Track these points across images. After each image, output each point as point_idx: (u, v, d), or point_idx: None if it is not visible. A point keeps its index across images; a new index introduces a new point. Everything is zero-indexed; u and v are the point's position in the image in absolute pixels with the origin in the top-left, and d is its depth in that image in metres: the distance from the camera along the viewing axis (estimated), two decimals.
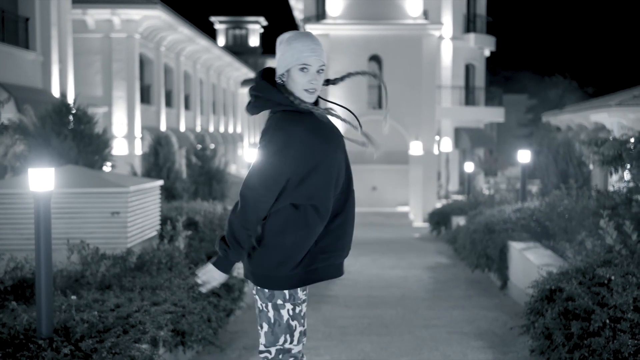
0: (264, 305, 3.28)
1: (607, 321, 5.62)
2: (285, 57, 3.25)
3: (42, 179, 5.19)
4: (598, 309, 5.79)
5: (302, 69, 3.23)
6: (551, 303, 6.42)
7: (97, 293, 6.48)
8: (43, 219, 5.21)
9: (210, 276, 3.30)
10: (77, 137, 10.53)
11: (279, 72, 3.31)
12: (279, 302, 3.25)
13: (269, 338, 3.28)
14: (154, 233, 9.20)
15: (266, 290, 3.26)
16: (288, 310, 3.26)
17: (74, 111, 10.58)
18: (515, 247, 9.89)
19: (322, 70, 3.27)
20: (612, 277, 6.27)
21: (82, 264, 7.23)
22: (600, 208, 9.28)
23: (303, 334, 3.35)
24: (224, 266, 3.26)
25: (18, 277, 6.78)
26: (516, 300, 9.59)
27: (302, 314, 3.33)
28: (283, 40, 3.28)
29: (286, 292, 3.24)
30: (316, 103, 3.41)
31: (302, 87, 3.25)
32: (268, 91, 3.28)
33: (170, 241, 8.25)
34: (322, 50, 3.27)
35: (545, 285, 6.76)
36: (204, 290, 3.37)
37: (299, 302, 3.32)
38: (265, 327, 3.28)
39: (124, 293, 6.51)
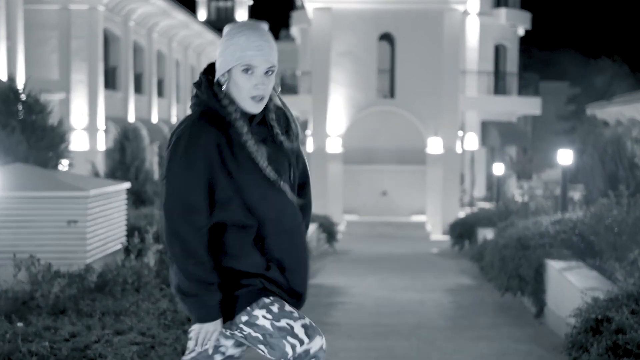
0: (237, 330, 3.24)
1: None
2: (225, 55, 3.20)
3: None
4: None
5: (245, 71, 3.18)
6: (597, 336, 6.37)
7: (49, 319, 6.44)
8: None
9: (204, 333, 3.22)
10: (27, 130, 10.49)
11: (218, 71, 3.24)
12: (244, 318, 3.22)
13: (275, 354, 3.21)
14: (119, 246, 9.16)
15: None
16: (263, 316, 3.20)
17: (23, 98, 10.53)
18: (554, 267, 9.85)
19: (272, 71, 3.20)
20: None
21: (32, 283, 7.20)
22: None
23: (309, 327, 3.24)
24: (210, 314, 3.19)
25: None
26: (554, 331, 9.55)
27: (286, 308, 3.25)
28: (225, 33, 3.23)
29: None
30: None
31: (247, 94, 3.19)
32: (205, 92, 3.26)
33: (138, 256, 8.22)
34: (272, 48, 3.20)
35: (591, 313, 6.72)
36: (210, 351, 3.28)
37: (269, 302, 3.23)
38: (262, 347, 3.22)
39: (81, 319, 6.47)
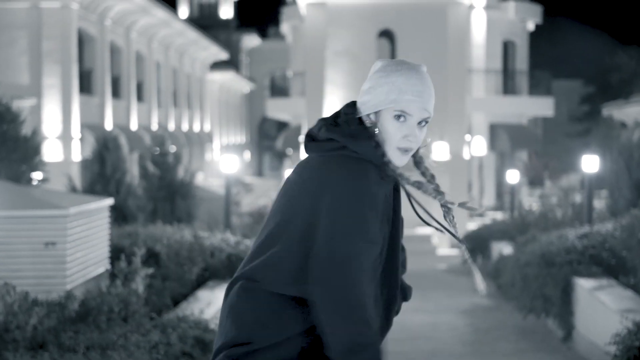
0: None
1: None
2: (377, 93, 2.91)
3: None
4: None
5: (397, 117, 2.89)
6: None
7: (27, 354, 6.24)
8: None
9: None
10: None
11: (364, 110, 2.95)
12: None
13: None
14: (102, 270, 8.93)
15: None
16: None
17: None
18: (584, 286, 9.70)
19: (426, 123, 2.94)
20: None
21: (7, 313, 6.96)
22: None
23: None
24: None
25: None
26: (585, 357, 9.39)
27: None
28: (379, 68, 2.97)
29: None
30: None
31: (394, 144, 2.90)
32: (358, 139, 2.91)
33: (125, 281, 8.00)
34: (431, 96, 2.94)
35: (633, 340, 6.56)
36: None
37: None
38: None
39: (63, 354, 6.26)
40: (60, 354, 6.29)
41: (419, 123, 2.91)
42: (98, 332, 6.82)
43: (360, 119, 2.95)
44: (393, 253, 2.98)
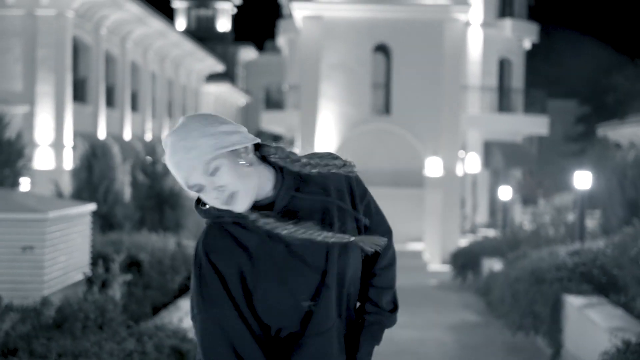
0: None
1: None
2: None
3: None
4: None
5: (198, 192, 2.71)
6: None
7: None
8: None
9: None
10: None
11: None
12: None
13: None
14: (81, 276, 8.72)
15: None
16: None
17: None
18: (573, 304, 9.54)
19: (215, 169, 2.65)
20: None
21: None
22: None
23: None
24: None
25: None
26: None
27: None
28: None
29: None
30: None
31: (221, 206, 2.72)
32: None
33: (102, 288, 7.79)
34: (187, 159, 2.63)
35: (622, 358, 6.38)
36: None
37: None
38: None
39: None
40: (31, 359, 6.09)
41: (210, 175, 2.64)
42: (72, 340, 6.61)
43: None
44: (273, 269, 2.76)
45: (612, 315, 8.68)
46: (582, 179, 12.54)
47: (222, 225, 2.76)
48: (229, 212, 2.72)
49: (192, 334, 7.42)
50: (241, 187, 2.67)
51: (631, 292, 9.31)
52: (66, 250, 8.52)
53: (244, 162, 2.69)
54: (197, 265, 2.72)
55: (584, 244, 11.52)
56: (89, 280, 8.19)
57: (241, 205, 2.68)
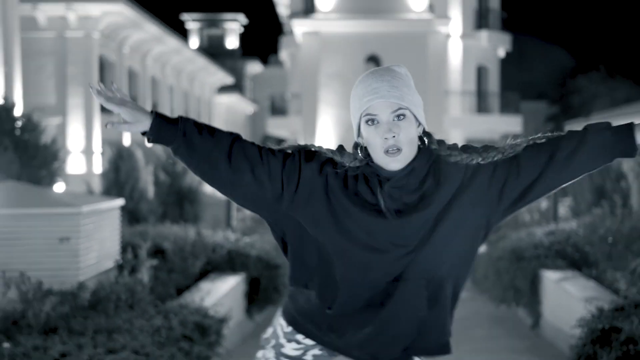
0: None
1: None
2: (352, 115, 2.64)
3: None
4: None
5: (370, 123, 2.56)
6: (606, 347, 5.95)
7: (40, 338, 5.96)
8: None
9: None
10: (20, 148, 10.01)
11: (355, 136, 2.67)
12: None
13: None
14: (112, 264, 8.66)
15: None
16: None
17: (18, 117, 10.06)
18: (550, 277, 9.47)
19: (402, 115, 2.54)
20: None
21: (22, 301, 6.70)
22: None
23: None
24: None
25: None
26: (552, 342, 9.14)
27: None
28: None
29: None
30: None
31: (379, 150, 2.55)
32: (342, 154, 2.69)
33: (132, 273, 7.74)
34: (393, 86, 2.54)
35: (597, 324, 6.32)
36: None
37: None
38: None
39: (72, 338, 5.99)
40: (69, 337, 6.03)
41: (396, 118, 2.53)
42: (105, 318, 6.56)
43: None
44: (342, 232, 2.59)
45: (585, 287, 8.62)
46: None
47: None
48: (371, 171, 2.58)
49: (212, 312, 7.37)
50: (406, 148, 2.55)
51: (601, 266, 9.26)
52: (98, 241, 8.46)
53: (416, 137, 2.60)
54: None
55: (558, 225, 11.46)
56: (120, 266, 8.13)
57: (396, 164, 2.54)
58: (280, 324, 2.87)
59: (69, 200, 8.15)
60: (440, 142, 2.70)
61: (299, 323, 2.80)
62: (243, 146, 2.68)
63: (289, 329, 2.83)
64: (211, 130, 2.71)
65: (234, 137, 2.71)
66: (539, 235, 10.85)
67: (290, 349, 2.83)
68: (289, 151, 2.69)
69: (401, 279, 2.61)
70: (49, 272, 7.73)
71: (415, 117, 2.59)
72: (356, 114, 2.59)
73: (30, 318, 6.49)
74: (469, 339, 9.51)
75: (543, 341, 9.38)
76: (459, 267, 2.68)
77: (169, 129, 2.68)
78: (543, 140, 2.73)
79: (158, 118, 2.70)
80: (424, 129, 2.67)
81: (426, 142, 2.66)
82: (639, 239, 9.20)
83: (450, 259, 2.62)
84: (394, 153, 2.52)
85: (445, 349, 2.85)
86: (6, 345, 5.62)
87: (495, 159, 2.65)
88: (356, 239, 2.58)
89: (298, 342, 2.82)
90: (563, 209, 17.10)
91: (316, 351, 2.82)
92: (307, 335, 2.79)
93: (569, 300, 8.52)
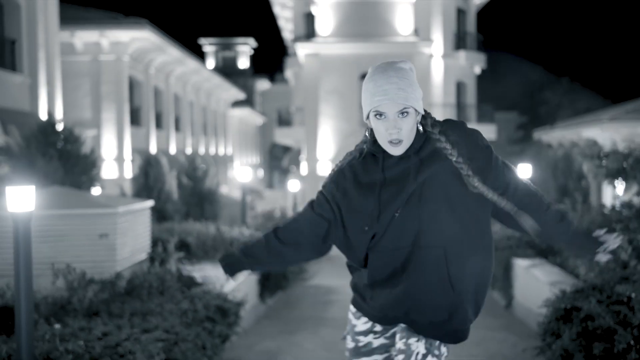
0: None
1: (632, 342, 5.23)
2: (363, 103, 2.76)
3: (21, 198, 4.77)
4: (621, 329, 5.41)
5: (377, 116, 2.68)
6: (568, 323, 6.03)
7: (84, 320, 6.06)
8: (22, 241, 4.79)
9: None
10: (63, 158, 10.11)
11: (364, 118, 2.82)
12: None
13: None
14: (145, 256, 8.76)
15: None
16: None
17: (60, 130, 10.16)
18: (521, 265, 9.54)
19: (406, 113, 2.65)
20: (633, 295, 5.89)
21: (69, 289, 6.81)
22: (607, 223, 8.94)
23: None
24: None
25: (0, 303, 6.34)
26: (523, 320, 9.21)
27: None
28: (365, 79, 2.78)
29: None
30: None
31: (384, 139, 2.69)
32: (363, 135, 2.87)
33: (162, 264, 7.83)
34: (400, 88, 2.64)
35: (560, 304, 6.38)
36: None
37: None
38: None
39: (112, 320, 6.08)
40: (109, 319, 6.13)
41: (400, 115, 2.64)
42: (140, 303, 6.66)
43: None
44: (385, 208, 2.71)
45: (550, 272, 8.70)
46: (524, 170, 12.58)
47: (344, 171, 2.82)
48: (376, 148, 2.75)
49: (231, 297, 7.46)
50: (406, 140, 2.67)
51: (565, 254, 9.33)
52: (132, 236, 8.56)
53: (415, 125, 2.71)
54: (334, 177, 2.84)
55: None
56: (152, 258, 8.21)
57: (398, 151, 2.68)
58: (349, 310, 3.00)
59: (106, 202, 8.25)
60: (434, 125, 2.77)
61: (354, 299, 2.94)
62: (285, 228, 2.98)
63: (354, 309, 2.96)
64: (259, 243, 3.05)
65: (274, 230, 3.02)
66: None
67: (360, 324, 2.93)
68: (320, 192, 2.91)
69: (417, 247, 2.70)
70: (90, 263, 7.83)
71: (416, 110, 2.70)
72: (366, 107, 2.71)
73: (75, 303, 6.60)
74: None
75: (515, 319, 9.45)
76: (471, 242, 2.72)
77: (235, 264, 3.08)
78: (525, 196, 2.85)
79: (223, 265, 3.11)
80: (422, 114, 2.77)
81: (422, 127, 2.75)
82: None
83: (453, 229, 2.69)
84: (396, 144, 2.66)
85: (464, 334, 2.91)
86: (57, 326, 5.72)
87: (461, 162, 2.72)
88: (367, 216, 2.74)
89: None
90: None
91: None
92: (357, 308, 2.92)
93: (536, 284, 8.60)
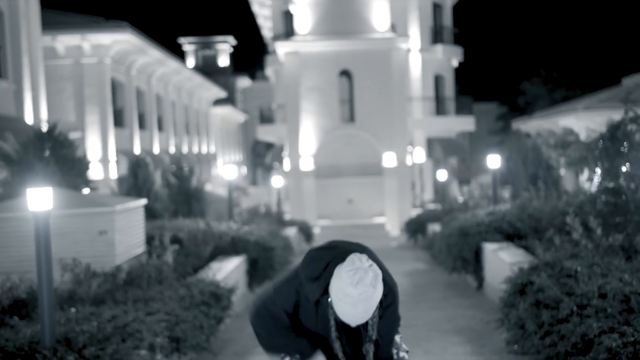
0: None
1: (575, 308, 6.08)
2: (334, 303, 3.09)
3: (40, 198, 5.56)
4: (566, 298, 6.24)
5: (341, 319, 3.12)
6: (523, 296, 6.87)
7: (92, 307, 6.79)
8: (43, 236, 5.58)
9: None
10: (59, 162, 10.83)
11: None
12: None
13: None
14: (140, 250, 9.52)
15: None
16: None
17: (56, 135, 10.89)
18: (489, 248, 10.31)
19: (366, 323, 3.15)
20: (579, 269, 6.75)
21: (75, 281, 7.55)
22: (567, 207, 9.76)
23: None
24: None
25: (14, 296, 7.10)
26: (492, 299, 10.02)
27: None
28: (340, 285, 3.03)
29: None
30: None
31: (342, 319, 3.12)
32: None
33: (158, 257, 8.59)
34: (366, 312, 3.01)
35: (518, 280, 7.21)
36: None
37: None
38: None
39: (118, 306, 6.84)
40: (115, 305, 6.89)
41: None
42: (141, 291, 7.41)
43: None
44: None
45: (515, 254, 9.48)
46: (494, 160, 13.41)
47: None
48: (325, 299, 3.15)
49: (223, 284, 8.25)
50: (365, 320, 3.09)
51: (529, 237, 10.15)
52: (128, 233, 9.27)
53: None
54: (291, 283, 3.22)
55: (497, 207, 12.31)
56: (148, 252, 8.94)
57: (354, 323, 3.09)
58: None
59: (105, 201, 8.98)
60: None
61: None
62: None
63: None
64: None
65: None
66: (481, 215, 11.68)
67: None
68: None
69: None
70: (91, 258, 8.52)
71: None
72: (336, 309, 3.06)
73: (82, 293, 7.36)
74: (427, 299, 10.39)
75: (485, 299, 10.28)
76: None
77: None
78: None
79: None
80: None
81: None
82: (558, 215, 10.11)
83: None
84: (354, 322, 3.06)
85: None
86: (72, 310, 6.50)
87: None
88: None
89: None
90: (506, 195, 18.02)
91: None
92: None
93: (503, 265, 9.40)
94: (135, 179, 14.82)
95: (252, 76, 54.77)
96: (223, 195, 23.95)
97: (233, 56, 53.87)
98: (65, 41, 23.60)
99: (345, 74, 29.34)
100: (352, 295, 2.97)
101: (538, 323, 6.33)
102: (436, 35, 34.93)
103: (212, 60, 50.69)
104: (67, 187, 10.63)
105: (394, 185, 28.69)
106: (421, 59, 34.11)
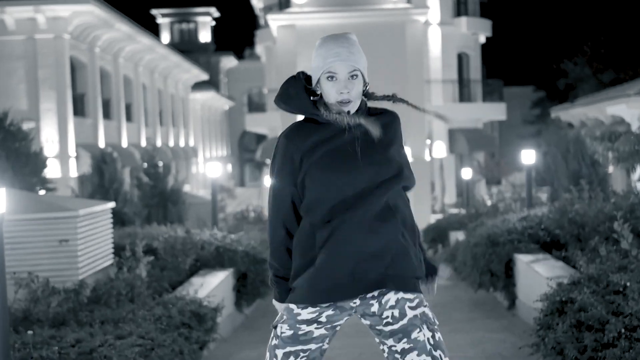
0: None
1: (623, 330, 6.18)
2: (313, 68, 3.55)
3: None
4: (613, 319, 6.34)
5: (329, 78, 3.49)
6: (562, 316, 6.96)
7: (52, 330, 6.90)
8: None
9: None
10: (10, 157, 10.94)
11: (313, 84, 3.58)
12: None
13: None
14: (108, 262, 9.63)
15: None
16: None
17: (7, 126, 11.00)
18: (523, 260, 10.38)
19: (355, 75, 3.50)
20: (628, 284, 6.84)
21: (31, 299, 7.65)
22: (616, 210, 9.84)
23: None
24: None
25: None
26: (526, 320, 10.09)
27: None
28: (315, 47, 3.56)
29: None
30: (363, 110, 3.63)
31: (333, 99, 3.49)
32: (302, 98, 3.57)
33: (129, 270, 8.70)
34: (351, 52, 3.48)
35: (555, 297, 7.29)
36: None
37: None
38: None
39: (82, 328, 6.95)
40: (79, 327, 7.00)
41: (350, 77, 3.48)
42: (110, 310, 7.52)
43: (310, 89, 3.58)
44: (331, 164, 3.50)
45: (553, 267, 9.55)
46: (529, 156, 13.53)
47: (302, 124, 3.56)
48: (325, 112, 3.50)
49: (206, 302, 8.37)
50: (355, 100, 3.54)
51: (570, 247, 10.23)
52: (94, 242, 9.39)
53: (363, 88, 3.58)
54: (278, 147, 3.55)
55: (531, 211, 12.38)
56: (119, 265, 9.05)
57: (347, 109, 3.49)
58: (289, 307, 3.67)
59: (66, 205, 9.09)
60: (370, 97, 3.71)
61: (300, 292, 3.60)
62: (288, 220, 3.66)
63: (301, 306, 3.63)
64: (284, 254, 3.74)
65: (285, 232, 3.68)
66: (513, 221, 11.73)
67: (306, 313, 3.60)
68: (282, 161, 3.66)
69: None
70: (50, 272, 8.64)
71: (363, 76, 3.54)
72: (318, 70, 3.49)
73: (39, 313, 7.47)
74: (449, 321, 10.47)
75: (518, 320, 10.37)
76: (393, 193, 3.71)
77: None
78: None
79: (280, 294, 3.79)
80: (366, 85, 3.67)
81: (365, 95, 3.66)
82: (605, 221, 10.17)
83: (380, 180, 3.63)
84: (346, 103, 3.49)
85: (414, 285, 3.69)
86: (29, 332, 6.61)
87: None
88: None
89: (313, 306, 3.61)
90: (544, 196, 18.12)
91: (329, 312, 3.60)
92: (302, 301, 3.59)
93: (539, 280, 9.47)
94: (101, 178, 14.94)
95: (239, 55, 54.89)
96: (205, 197, 24.06)
97: (216, 31, 54.08)
98: (15, 13, 23.72)
99: None
100: (330, 44, 3.47)
101: (579, 348, 6.43)
102: (460, 6, 35.05)
103: (191, 35, 50.81)
104: (20, 187, 10.76)
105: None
106: (442, 34, 34.16)
